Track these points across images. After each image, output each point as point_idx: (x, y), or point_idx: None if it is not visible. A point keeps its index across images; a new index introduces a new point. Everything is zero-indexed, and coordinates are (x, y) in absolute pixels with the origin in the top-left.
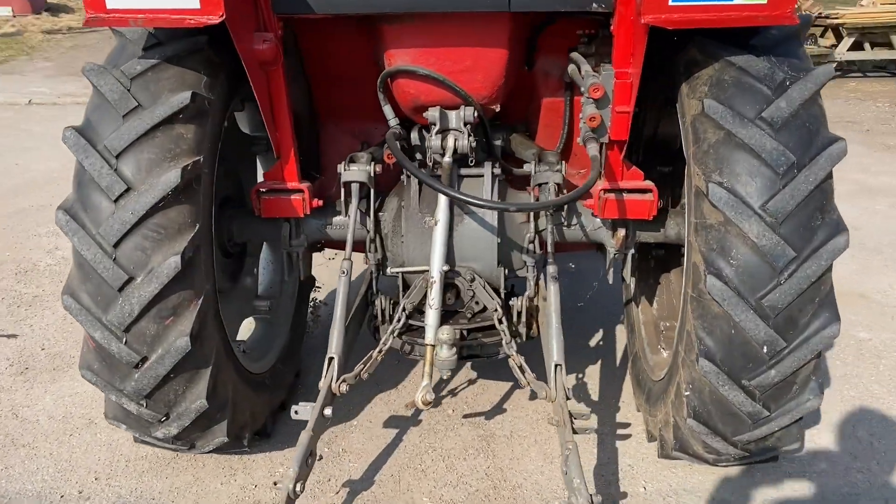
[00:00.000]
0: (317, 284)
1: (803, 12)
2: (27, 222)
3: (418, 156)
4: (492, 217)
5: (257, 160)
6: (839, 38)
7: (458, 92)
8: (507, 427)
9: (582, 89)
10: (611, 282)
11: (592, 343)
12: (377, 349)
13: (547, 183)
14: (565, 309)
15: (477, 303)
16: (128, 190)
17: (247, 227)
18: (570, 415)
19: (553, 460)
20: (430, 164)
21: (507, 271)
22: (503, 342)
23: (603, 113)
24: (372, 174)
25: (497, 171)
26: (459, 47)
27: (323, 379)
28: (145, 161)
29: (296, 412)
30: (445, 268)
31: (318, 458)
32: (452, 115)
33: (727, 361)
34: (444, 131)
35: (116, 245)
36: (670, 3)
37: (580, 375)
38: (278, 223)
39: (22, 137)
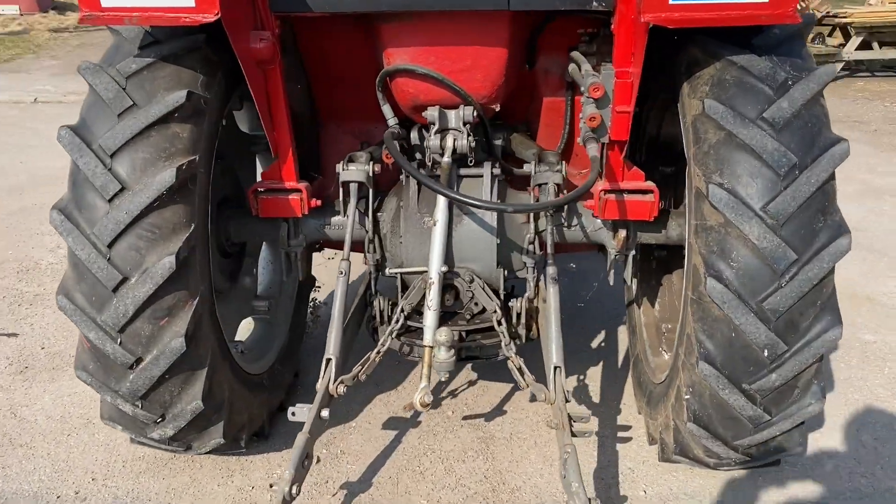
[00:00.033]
0: (317, 284)
1: (810, 11)
2: (30, 220)
3: (418, 155)
4: (491, 218)
5: (256, 159)
6: (847, 37)
7: (458, 91)
8: (507, 429)
9: (582, 89)
10: (611, 283)
11: (594, 344)
12: (375, 350)
13: (546, 183)
14: (566, 310)
15: (476, 304)
16: (122, 189)
17: (245, 226)
18: (570, 417)
19: (553, 463)
20: (429, 163)
21: (506, 272)
22: (502, 344)
23: (603, 113)
24: (371, 174)
25: (497, 171)
26: (459, 46)
27: (320, 380)
28: (140, 160)
29: (293, 414)
30: (444, 269)
31: (315, 460)
32: (452, 114)
33: (727, 365)
34: (443, 131)
35: (111, 245)
36: (671, 2)
37: (581, 377)
38: (276, 223)
39: (27, 136)
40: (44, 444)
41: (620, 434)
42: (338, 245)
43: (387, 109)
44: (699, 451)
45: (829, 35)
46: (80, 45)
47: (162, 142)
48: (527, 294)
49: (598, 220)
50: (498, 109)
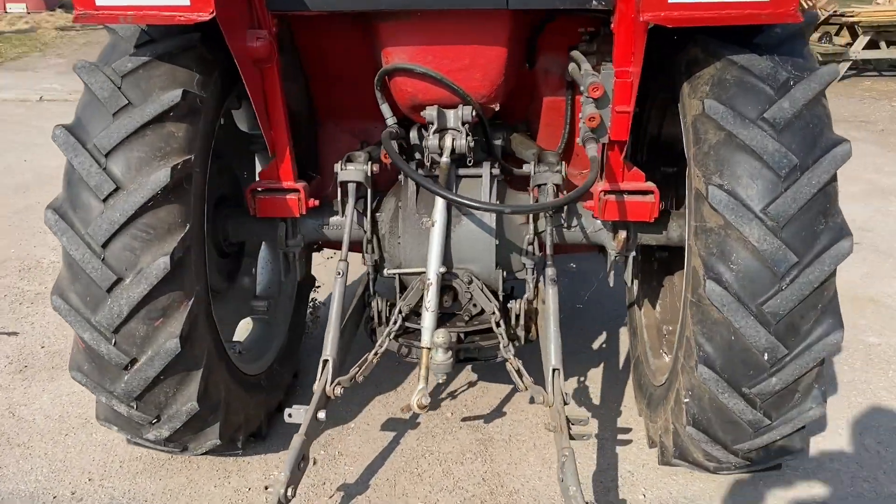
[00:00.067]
0: (316, 284)
1: (816, 10)
2: (33, 219)
3: (417, 155)
4: (490, 218)
5: (256, 158)
6: (854, 36)
7: (456, 91)
8: (506, 431)
9: (581, 88)
10: (612, 284)
11: (595, 346)
12: (373, 352)
13: (546, 184)
14: (566, 310)
15: (474, 305)
16: (117, 189)
17: (242, 226)
18: (568, 420)
19: (552, 465)
20: (428, 163)
21: (505, 273)
22: (501, 345)
23: (603, 113)
24: (369, 174)
25: (496, 171)
26: (457, 45)
27: (317, 382)
28: (135, 160)
29: (289, 415)
30: (442, 270)
31: (311, 462)
32: (450, 114)
33: (727, 368)
34: (441, 131)
35: (105, 245)
36: (670, 0)
37: (582, 378)
38: (274, 223)
39: (32, 134)
40: (41, 443)
41: (620, 437)
42: (336, 245)
43: (385, 109)
44: (699, 454)
45: (837, 34)
46: (86, 43)
47: (157, 141)
48: (526, 295)
49: (598, 221)
50: (497, 109)
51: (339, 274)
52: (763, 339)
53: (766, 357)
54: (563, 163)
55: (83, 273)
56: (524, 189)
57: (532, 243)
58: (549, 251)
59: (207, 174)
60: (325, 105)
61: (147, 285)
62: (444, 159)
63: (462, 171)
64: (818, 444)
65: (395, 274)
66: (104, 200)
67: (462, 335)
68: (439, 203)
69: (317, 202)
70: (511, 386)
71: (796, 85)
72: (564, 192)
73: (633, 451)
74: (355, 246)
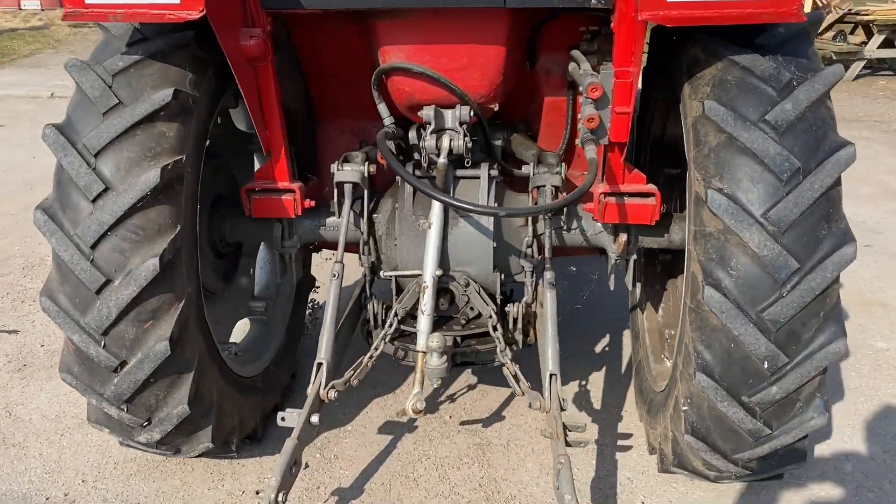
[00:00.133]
0: (316, 285)
1: (831, 8)
2: None
3: (416, 156)
4: (487, 221)
5: (254, 158)
6: (869, 35)
7: (454, 90)
8: (505, 435)
9: (581, 89)
10: (612, 288)
11: (598, 349)
12: (368, 355)
13: (544, 186)
14: (568, 312)
15: (471, 309)
16: (106, 190)
17: (239, 226)
18: (565, 427)
19: (550, 471)
20: (425, 164)
21: (503, 276)
22: (498, 350)
23: (602, 114)
24: (366, 174)
25: (494, 172)
26: (455, 44)
27: (311, 385)
28: (125, 160)
29: (282, 419)
30: (439, 272)
31: (303, 466)
32: (448, 114)
33: (726, 376)
34: (439, 131)
35: (94, 246)
36: None
37: (583, 382)
38: (271, 223)
39: (41, 131)
40: (36, 443)
41: (620, 442)
42: (333, 246)
43: (382, 108)
44: (698, 463)
45: (851, 33)
46: (99, 40)
47: (147, 141)
48: (524, 299)
49: (599, 224)
50: (497, 109)
51: (335, 276)
52: (763, 347)
53: (766, 365)
54: (563, 164)
55: (72, 274)
56: (524, 190)
57: (531, 246)
58: (547, 254)
59: (200, 174)
60: (323, 104)
61: (136, 287)
62: (442, 160)
63: (460, 173)
64: (822, 452)
65: (391, 276)
66: (93, 201)
67: (459, 339)
68: (436, 205)
69: (313, 203)
70: (510, 390)
71: (799, 86)
72: (564, 194)
73: (632, 458)
74: (353, 247)
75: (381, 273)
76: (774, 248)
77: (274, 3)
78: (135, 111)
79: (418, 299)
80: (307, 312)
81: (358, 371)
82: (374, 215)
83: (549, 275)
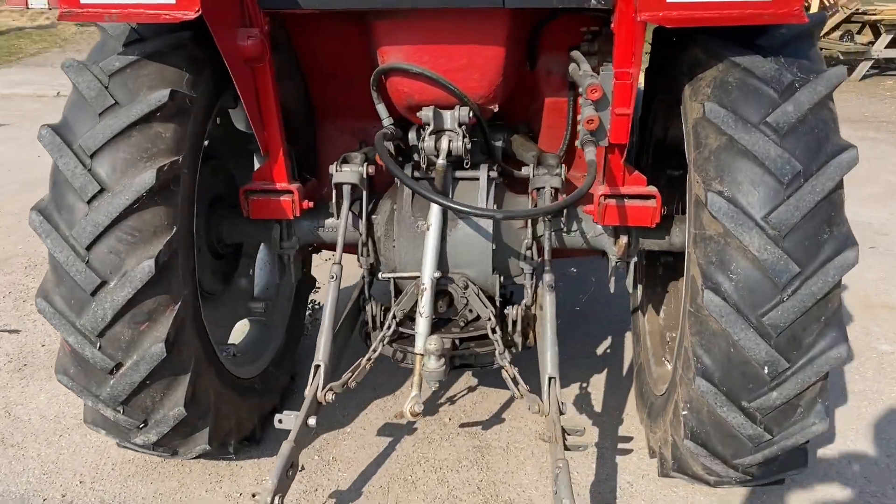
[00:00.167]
0: (316, 285)
1: (838, 7)
2: None
3: (416, 156)
4: (486, 222)
5: (254, 158)
6: (877, 34)
7: (453, 91)
8: (504, 438)
9: (580, 90)
10: (612, 290)
11: (599, 350)
12: (366, 357)
13: (544, 187)
14: (571, 314)
15: (471, 311)
16: (101, 191)
17: (237, 227)
18: (564, 431)
19: (549, 475)
20: (424, 165)
21: (502, 278)
22: (496, 352)
23: (602, 115)
24: (365, 175)
25: (494, 173)
26: (454, 45)
27: (308, 387)
28: (120, 161)
29: (279, 421)
30: (437, 274)
31: (300, 469)
32: (447, 115)
33: (726, 381)
34: (438, 132)
35: (89, 248)
36: (668, 0)
37: (584, 384)
38: (269, 224)
39: None
40: (35, 444)
41: (621, 446)
42: (333, 247)
43: (381, 109)
44: (698, 468)
45: (858, 32)
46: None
47: (143, 142)
48: (524, 301)
49: (599, 226)
50: (496, 110)
51: (333, 277)
52: (763, 352)
53: (766, 370)
54: (564, 166)
55: (67, 276)
56: (524, 192)
57: (530, 248)
58: (547, 256)
59: (197, 175)
60: (323, 104)
61: (131, 289)
62: (441, 161)
63: (459, 174)
64: (824, 457)
65: (390, 278)
66: (89, 202)
67: (457, 341)
68: (434, 206)
69: (311, 204)
70: (511, 392)
71: (801, 88)
72: (564, 196)
73: (633, 461)
74: (352, 249)
75: (380, 275)
76: (775, 251)
77: (272, 3)
78: (131, 112)
79: (417, 301)
80: (307, 313)
81: (356, 373)
82: (373, 216)
83: (548, 277)
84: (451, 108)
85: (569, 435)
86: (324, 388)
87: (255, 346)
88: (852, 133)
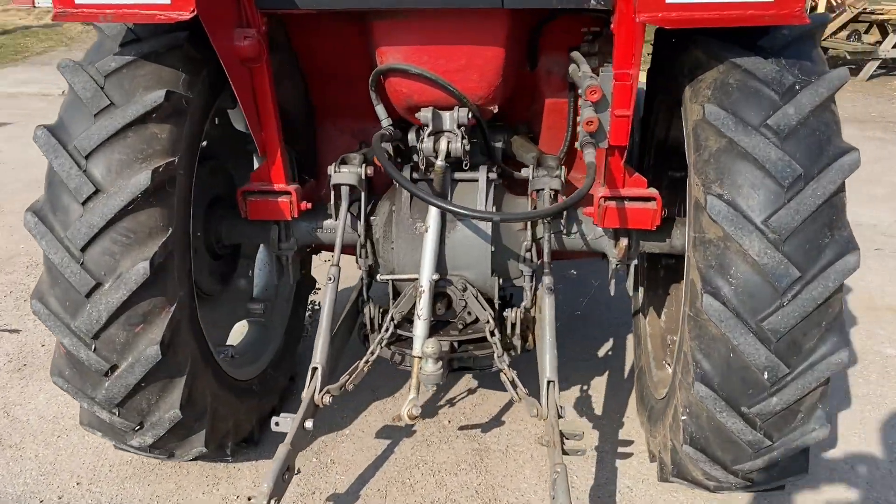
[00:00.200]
0: (316, 286)
1: (846, 7)
2: None
3: (415, 157)
4: (485, 224)
5: (253, 159)
6: (884, 34)
7: (453, 92)
8: (504, 441)
9: (580, 91)
10: (612, 293)
11: (601, 353)
12: (364, 359)
13: (543, 189)
14: (573, 316)
15: (469, 313)
16: (97, 192)
17: (235, 228)
18: (562, 435)
19: (548, 479)
20: (423, 167)
21: (501, 281)
22: (495, 355)
23: (602, 116)
24: (363, 176)
25: (493, 175)
26: (453, 45)
27: (305, 390)
28: (115, 162)
29: (276, 423)
30: (436, 276)
31: (296, 472)
32: (446, 116)
33: (725, 387)
34: (437, 133)
35: (84, 249)
36: (667, 0)
37: (584, 387)
38: (268, 225)
39: None
40: (33, 445)
41: (621, 449)
42: (332, 248)
43: (380, 110)
44: (697, 473)
45: (866, 32)
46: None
47: (139, 143)
48: (523, 303)
49: (599, 228)
50: (496, 111)
51: (331, 279)
52: (763, 357)
53: (766, 376)
54: (564, 167)
55: (62, 277)
56: (524, 193)
57: (530, 250)
58: (546, 258)
59: (194, 176)
60: (322, 104)
61: (126, 291)
62: (439, 163)
63: (458, 175)
64: (826, 462)
65: (388, 280)
66: (83, 203)
67: (456, 344)
68: (433, 208)
69: (309, 205)
70: None
71: (803, 90)
72: (564, 197)
73: (633, 465)
74: (351, 250)
75: (378, 276)
76: (775, 256)
77: (269, 4)
78: (126, 113)
79: (415, 303)
80: (307, 314)
81: (353, 376)
82: (372, 218)
83: (547, 280)
84: (450, 108)
85: (567, 439)
86: (321, 390)
87: (253, 348)
88: (859, 133)
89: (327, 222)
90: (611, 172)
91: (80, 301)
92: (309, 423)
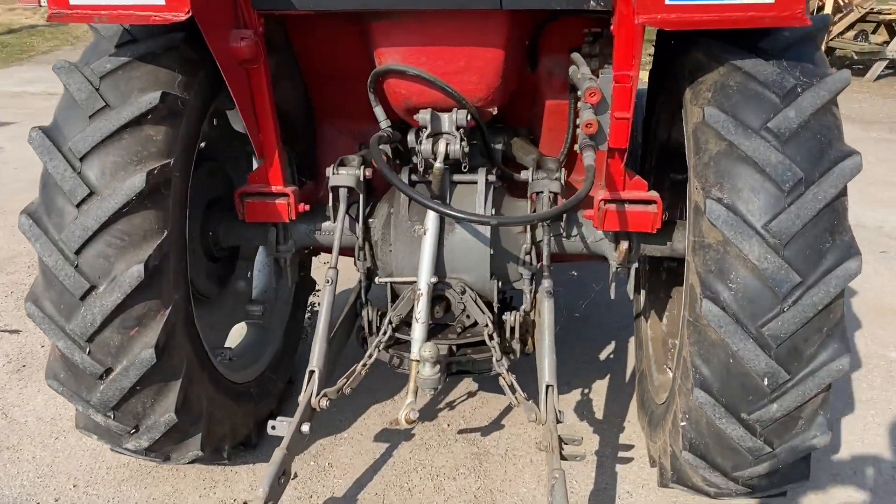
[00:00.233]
0: (317, 288)
1: (853, 7)
2: None
3: (414, 159)
4: (484, 227)
5: (252, 160)
6: (892, 34)
7: (451, 94)
8: (503, 445)
9: (579, 93)
10: (613, 297)
11: (602, 356)
12: (361, 363)
13: (542, 192)
14: (572, 319)
15: (468, 316)
16: (91, 194)
17: (233, 230)
18: (560, 440)
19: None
20: (422, 169)
21: (500, 284)
22: (493, 359)
23: (601, 119)
24: (361, 178)
25: (492, 177)
26: (452, 46)
27: (302, 393)
28: (110, 164)
29: (272, 427)
30: (434, 279)
31: (293, 476)
32: (445, 117)
33: (724, 393)
34: (435, 135)
35: (78, 252)
36: (667, 2)
37: (586, 390)
38: (266, 227)
39: None
40: (30, 447)
41: (621, 454)
42: (330, 251)
43: (379, 111)
44: (697, 479)
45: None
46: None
47: (134, 145)
48: (522, 307)
49: (599, 231)
50: (496, 113)
51: (328, 282)
52: (763, 364)
53: (766, 382)
54: (564, 170)
55: (56, 280)
56: (524, 195)
57: (529, 253)
58: (545, 262)
59: (190, 178)
60: (322, 105)
61: (120, 294)
62: (438, 165)
63: (457, 177)
64: (828, 468)
65: (386, 282)
66: (78, 206)
67: (454, 347)
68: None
69: (307, 207)
70: None
71: (804, 92)
72: (564, 200)
73: (633, 470)
74: (350, 252)
75: (377, 279)
76: (775, 261)
77: (266, 5)
78: (121, 114)
79: (413, 307)
80: (307, 316)
81: (351, 379)
82: (370, 220)
83: (547, 283)
84: (448, 110)
85: (566, 444)
86: (318, 394)
87: (251, 350)
88: (866, 135)
89: (326, 224)
90: (611, 175)
91: (75, 304)
92: (306, 427)
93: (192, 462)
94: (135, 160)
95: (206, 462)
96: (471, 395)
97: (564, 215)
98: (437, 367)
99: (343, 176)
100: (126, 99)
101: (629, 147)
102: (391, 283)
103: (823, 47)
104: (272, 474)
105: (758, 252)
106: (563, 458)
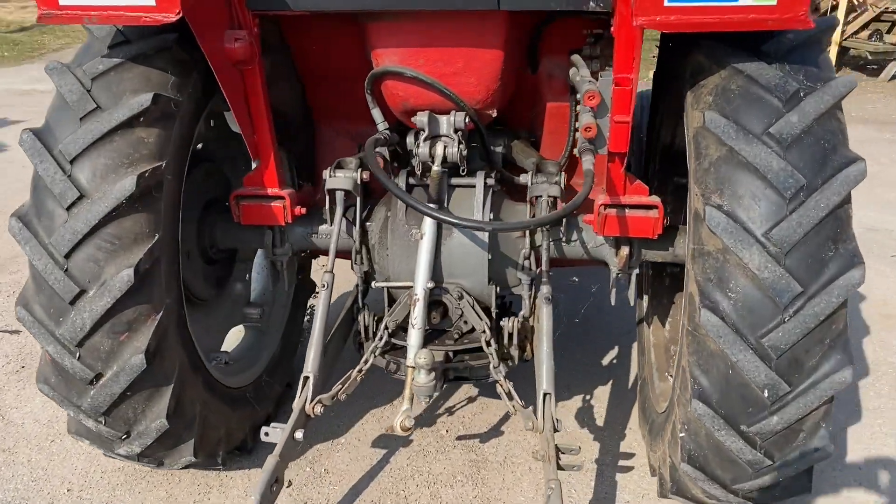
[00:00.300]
0: (316, 290)
1: (867, 7)
2: None
3: (413, 162)
4: (482, 231)
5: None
6: None
7: (449, 96)
8: (502, 452)
9: (578, 96)
10: (613, 303)
11: (605, 361)
12: (357, 368)
13: (542, 196)
14: (573, 324)
15: (465, 322)
16: (81, 197)
17: (230, 233)
18: (558, 449)
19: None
20: (420, 172)
21: (499, 289)
22: (491, 366)
23: (601, 122)
24: (358, 181)
25: (491, 181)
26: (450, 48)
27: (296, 399)
28: (100, 167)
29: (265, 434)
30: (431, 284)
31: (286, 484)
32: (443, 120)
33: (724, 404)
34: (433, 138)
35: (68, 255)
36: (666, 3)
37: (586, 397)
38: (262, 230)
39: None
40: (26, 449)
41: (621, 462)
42: (327, 253)
43: (376, 114)
44: (697, 491)
45: (888, 32)
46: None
47: (125, 147)
48: (521, 313)
49: (600, 236)
50: (495, 115)
51: (324, 286)
52: (763, 375)
53: (766, 394)
54: (564, 173)
55: (46, 284)
56: (524, 199)
57: (528, 258)
58: (545, 267)
59: (184, 180)
60: (319, 107)
61: (111, 298)
62: (436, 168)
63: (455, 181)
64: (832, 479)
65: (383, 287)
66: (68, 209)
67: (451, 354)
68: None
69: (303, 210)
70: None
71: (807, 97)
72: (564, 204)
73: (633, 480)
74: (347, 255)
75: (374, 283)
76: (776, 270)
77: (260, 5)
78: (112, 116)
79: (409, 312)
80: (305, 319)
81: (346, 385)
82: (367, 223)
83: (545, 289)
84: (447, 112)
85: (563, 454)
86: (312, 400)
87: (248, 354)
88: (880, 136)
89: (323, 227)
90: (611, 179)
91: (65, 308)
92: (299, 434)
93: (187, 467)
94: (126, 163)
95: (201, 467)
96: (470, 400)
97: (564, 220)
98: (433, 374)
99: (340, 179)
100: (118, 101)
101: (632, 150)
102: (388, 287)
103: (837, 47)
104: (264, 482)
105: (758, 261)
106: (559, 467)
